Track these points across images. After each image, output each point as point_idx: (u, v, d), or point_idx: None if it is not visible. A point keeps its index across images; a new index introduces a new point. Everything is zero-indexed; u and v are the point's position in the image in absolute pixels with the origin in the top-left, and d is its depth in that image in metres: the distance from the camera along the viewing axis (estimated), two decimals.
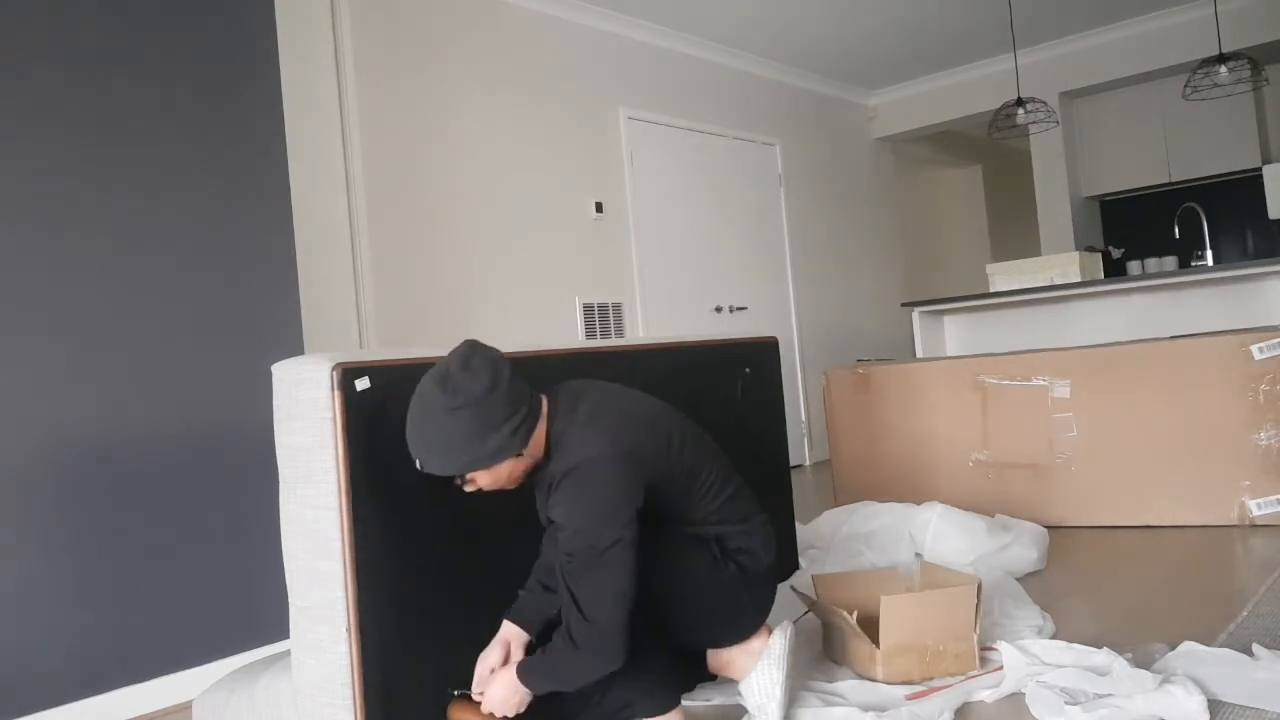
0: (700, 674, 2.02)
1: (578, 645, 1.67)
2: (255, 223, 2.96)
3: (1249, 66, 4.93)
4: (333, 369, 1.75)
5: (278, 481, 1.93)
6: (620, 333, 5.22)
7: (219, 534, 2.78)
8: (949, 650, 2.15)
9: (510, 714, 1.77)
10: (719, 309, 5.93)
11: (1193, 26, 6.21)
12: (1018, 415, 3.82)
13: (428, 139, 4.39)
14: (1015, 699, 2.01)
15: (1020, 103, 5.35)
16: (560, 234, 4.97)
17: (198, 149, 2.85)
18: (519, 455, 1.72)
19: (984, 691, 2.04)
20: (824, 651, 2.38)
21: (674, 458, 1.82)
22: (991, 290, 5.24)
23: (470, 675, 1.88)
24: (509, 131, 4.77)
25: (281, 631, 2.87)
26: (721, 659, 1.96)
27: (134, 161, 2.71)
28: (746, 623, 1.92)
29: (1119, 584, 2.84)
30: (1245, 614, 2.38)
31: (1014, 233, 9.22)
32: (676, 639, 1.91)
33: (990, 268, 5.35)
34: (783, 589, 2.56)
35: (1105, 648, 2.12)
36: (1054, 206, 6.95)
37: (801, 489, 5.28)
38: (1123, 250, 7.24)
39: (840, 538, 3.28)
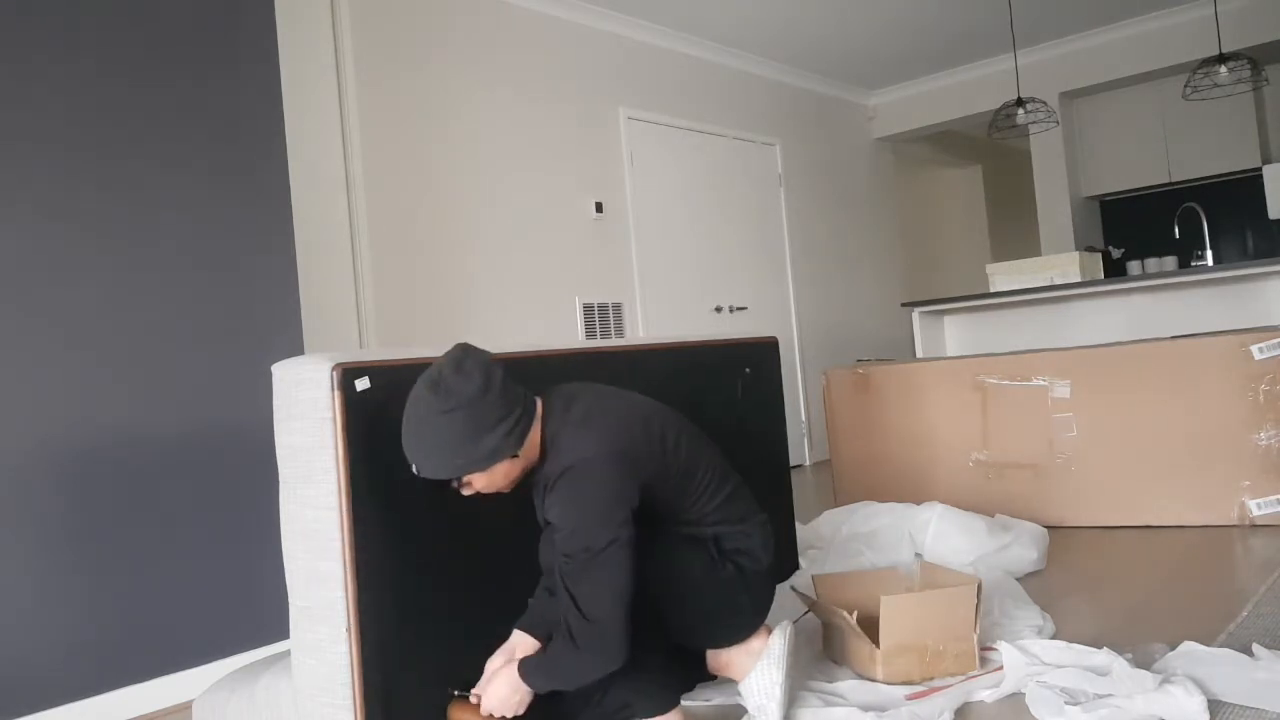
0: (700, 674, 2.02)
1: (578, 645, 1.67)
2: (255, 223, 2.96)
3: (1249, 66, 4.93)
4: (333, 369, 1.76)
5: (278, 481, 1.93)
6: (620, 333, 5.22)
7: (219, 534, 2.78)
8: (949, 650, 2.15)
9: (510, 714, 1.77)
10: (719, 309, 5.92)
11: (1193, 26, 6.21)
12: (1018, 415, 3.82)
13: (428, 139, 4.39)
14: (1015, 699, 2.01)
15: (1020, 103, 5.35)
16: (560, 234, 4.97)
17: (198, 149, 2.85)
18: (514, 457, 1.72)
19: (984, 691, 2.04)
20: (824, 651, 2.38)
21: (669, 457, 1.82)
22: (991, 290, 5.24)
23: (470, 675, 1.88)
24: (509, 131, 4.77)
25: (281, 631, 2.87)
26: (721, 659, 1.96)
27: (134, 161, 2.72)
28: (745, 623, 1.92)
29: (1119, 584, 2.84)
30: (1245, 614, 2.38)
31: (1014, 233, 9.22)
32: (675, 639, 1.91)
33: (990, 268, 5.35)
34: (783, 589, 2.56)
35: (1105, 648, 2.12)
36: (1054, 206, 6.95)
37: (801, 489, 5.28)
38: (1123, 250, 7.24)
39: (840, 538, 3.28)
